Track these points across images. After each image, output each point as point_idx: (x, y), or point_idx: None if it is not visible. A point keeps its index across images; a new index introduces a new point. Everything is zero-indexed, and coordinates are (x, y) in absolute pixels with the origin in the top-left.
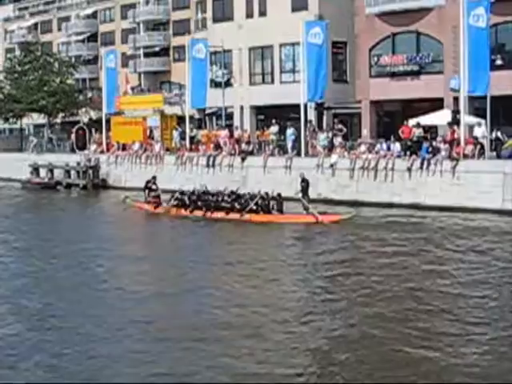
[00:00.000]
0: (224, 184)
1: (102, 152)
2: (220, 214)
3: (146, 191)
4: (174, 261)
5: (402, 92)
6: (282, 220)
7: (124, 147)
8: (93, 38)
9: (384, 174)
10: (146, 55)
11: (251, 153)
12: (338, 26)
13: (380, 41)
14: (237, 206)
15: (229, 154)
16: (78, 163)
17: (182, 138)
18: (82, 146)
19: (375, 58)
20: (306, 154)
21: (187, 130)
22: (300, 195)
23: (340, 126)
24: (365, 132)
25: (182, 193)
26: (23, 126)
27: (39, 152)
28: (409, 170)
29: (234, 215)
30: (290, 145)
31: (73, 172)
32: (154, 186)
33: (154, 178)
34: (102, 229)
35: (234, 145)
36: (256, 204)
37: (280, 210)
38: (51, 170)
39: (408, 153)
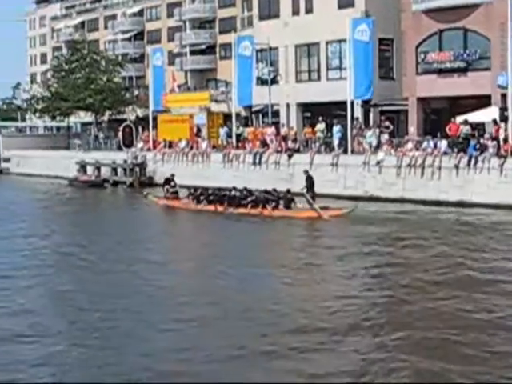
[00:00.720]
0: (270, 181)
1: (148, 150)
2: (231, 209)
3: (165, 187)
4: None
5: (449, 89)
6: (287, 215)
7: (170, 145)
8: (139, 36)
9: (431, 171)
10: (193, 53)
11: (298, 150)
12: (385, 22)
13: (427, 37)
14: (246, 200)
15: (275, 152)
16: (125, 161)
17: (229, 135)
18: (128, 143)
19: (422, 55)
20: (353, 151)
21: (233, 128)
22: (304, 191)
23: (387, 123)
24: (412, 129)
25: (196, 189)
26: (70, 124)
27: (86, 150)
28: (456, 167)
29: (243, 209)
30: (336, 142)
31: (119, 170)
32: (172, 183)
33: (173, 175)
34: (147, 226)
35: (281, 142)
36: (265, 198)
37: (288, 206)
38: (98, 168)
39: (455, 150)
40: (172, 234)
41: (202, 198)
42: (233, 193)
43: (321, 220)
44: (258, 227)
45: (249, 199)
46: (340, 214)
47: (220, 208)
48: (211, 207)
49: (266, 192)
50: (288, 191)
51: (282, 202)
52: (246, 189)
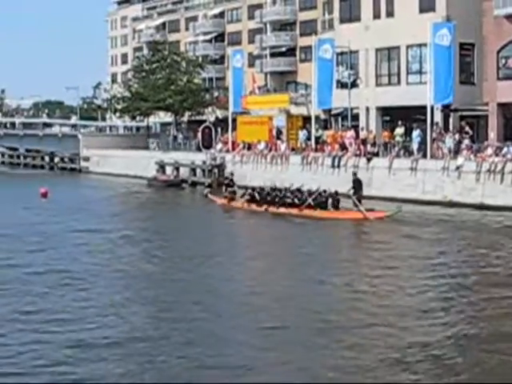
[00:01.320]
0: (349, 185)
1: (227, 151)
2: (283, 209)
3: (224, 187)
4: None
5: None
6: (334, 216)
7: (249, 147)
8: (220, 37)
9: (511, 177)
10: (273, 55)
11: (377, 154)
12: (466, 27)
13: (508, 43)
14: (297, 201)
15: (354, 155)
16: (204, 162)
17: (308, 138)
18: (207, 144)
19: (503, 60)
20: (432, 156)
21: (313, 131)
22: (351, 192)
23: (467, 128)
24: (492, 135)
25: (253, 189)
26: (150, 124)
27: (165, 150)
28: None
29: (294, 210)
30: (415, 146)
31: (198, 170)
32: (231, 183)
33: (232, 174)
34: (226, 227)
35: (360, 146)
36: (314, 200)
37: (336, 207)
38: (177, 168)
39: None
40: (233, 234)
41: (256, 197)
42: (283, 193)
43: (366, 221)
44: (308, 228)
45: (298, 200)
46: (384, 216)
47: (273, 209)
48: (263, 208)
49: (317, 193)
50: (336, 192)
51: (330, 202)
52: (298, 189)
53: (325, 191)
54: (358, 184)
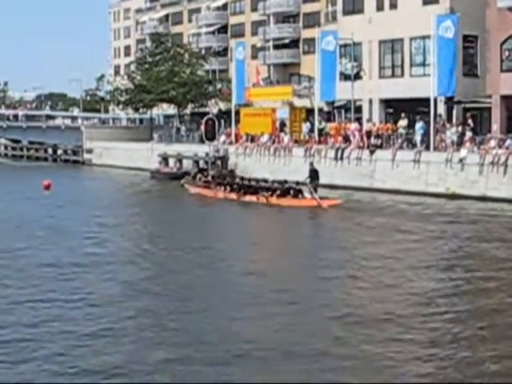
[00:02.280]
0: (351, 177)
1: (230, 143)
2: (253, 198)
3: (198, 176)
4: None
5: None
6: (295, 204)
7: (252, 139)
8: (223, 29)
9: None
10: (276, 47)
11: (380, 146)
12: (469, 19)
13: None
14: (264, 190)
15: (357, 147)
16: (207, 154)
17: (311, 130)
18: (211, 136)
19: (506, 53)
20: (435, 148)
21: (316, 123)
22: (308, 181)
23: (469, 120)
24: (495, 127)
25: (224, 178)
26: (153, 116)
27: (168, 142)
28: None
29: (262, 199)
30: (418, 139)
31: (201, 162)
32: (205, 173)
33: (207, 163)
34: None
35: (363, 138)
36: (279, 189)
37: (297, 196)
38: (180, 161)
39: None
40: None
41: (227, 186)
42: (252, 182)
43: (320, 208)
44: (273, 214)
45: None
46: (336, 204)
47: (243, 197)
48: (234, 195)
49: (279, 182)
50: (297, 183)
51: (292, 191)
52: (265, 180)
53: (286, 181)
54: (314, 174)
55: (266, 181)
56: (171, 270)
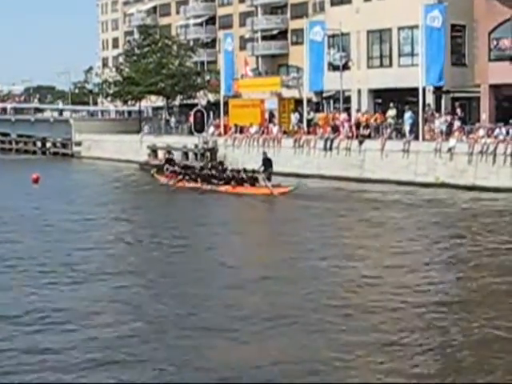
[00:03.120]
0: (341, 167)
1: (219, 135)
2: (213, 186)
3: (166, 166)
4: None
5: None
6: (251, 191)
7: (241, 130)
8: (211, 21)
9: (503, 158)
10: (264, 38)
11: (369, 136)
12: (457, 8)
13: (500, 24)
14: (222, 179)
15: (346, 138)
16: (196, 145)
17: (300, 121)
18: (199, 128)
19: (494, 42)
20: (424, 137)
21: (305, 113)
22: (261, 170)
23: (457, 110)
24: (483, 116)
25: (188, 168)
26: (142, 109)
27: (157, 134)
28: None
29: (222, 187)
30: (407, 128)
31: (190, 154)
32: (172, 163)
33: (171, 153)
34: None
35: (352, 128)
36: (237, 178)
37: (253, 184)
38: (169, 152)
39: None
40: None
41: (188, 176)
42: (213, 171)
43: (272, 196)
44: (230, 202)
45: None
46: (287, 191)
47: (205, 186)
48: (198, 184)
49: (237, 171)
50: (253, 171)
51: (247, 179)
52: (224, 169)
53: (245, 170)
54: (267, 163)
55: (225, 170)
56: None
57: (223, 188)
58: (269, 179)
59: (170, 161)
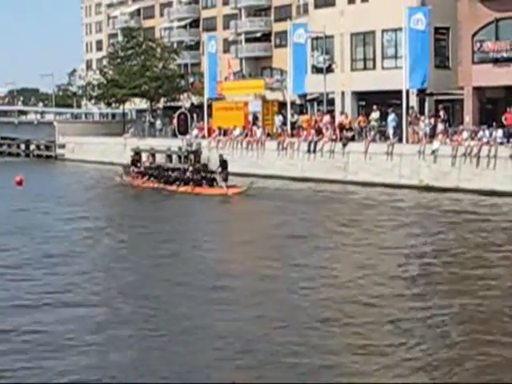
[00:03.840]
0: (324, 170)
1: (203, 137)
2: (174, 187)
3: (132, 168)
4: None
5: (506, 78)
6: (209, 192)
7: (225, 132)
8: (195, 23)
9: (486, 161)
10: (248, 41)
11: (352, 139)
12: (441, 11)
13: (483, 26)
14: (182, 179)
15: (330, 140)
16: (180, 148)
17: (283, 123)
18: (183, 130)
19: (478, 44)
20: (408, 140)
21: (288, 116)
22: (218, 171)
23: (440, 112)
24: (467, 119)
25: (151, 168)
26: (125, 111)
27: (141, 137)
28: (511, 157)
29: (182, 188)
30: (391, 131)
31: (174, 157)
32: (138, 164)
33: (137, 154)
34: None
35: (336, 130)
36: (197, 178)
37: (211, 184)
38: (153, 155)
39: (511, 140)
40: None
41: (153, 176)
42: (174, 172)
43: (227, 195)
44: (189, 201)
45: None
46: (240, 192)
47: (165, 186)
48: (162, 185)
49: (197, 172)
50: (211, 172)
51: (205, 180)
52: (185, 169)
53: (204, 170)
54: (223, 164)
55: (185, 170)
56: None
57: (183, 188)
58: (225, 180)
59: (135, 162)
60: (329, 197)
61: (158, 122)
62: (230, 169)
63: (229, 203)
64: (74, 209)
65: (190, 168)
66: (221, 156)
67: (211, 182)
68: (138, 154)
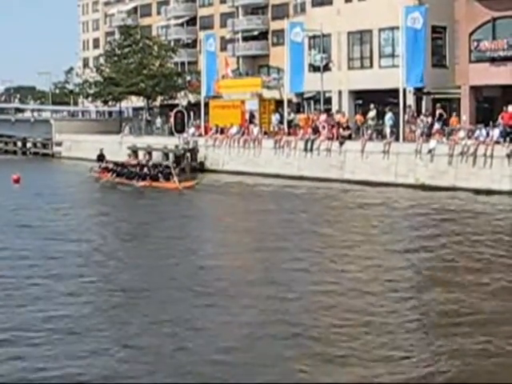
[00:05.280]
0: (321, 168)
1: (200, 135)
2: (131, 181)
3: (99, 163)
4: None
5: (502, 77)
6: (165, 186)
7: (222, 131)
8: (192, 21)
9: (483, 160)
10: (245, 39)
11: (349, 137)
12: (438, 10)
13: (480, 25)
14: (143, 174)
15: (327, 139)
16: (177, 146)
17: (280, 122)
18: (180, 129)
19: (475, 43)
20: (405, 139)
21: (285, 114)
22: (173, 166)
23: (440, 111)
24: (464, 118)
25: (116, 164)
26: (122, 109)
27: (138, 135)
28: (508, 156)
29: (142, 182)
30: (388, 130)
31: (171, 155)
32: (104, 159)
33: (102, 150)
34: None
35: (332, 129)
36: (155, 173)
37: (168, 178)
38: (149, 153)
39: (507, 139)
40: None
41: (116, 172)
42: (134, 168)
43: (179, 189)
44: (147, 194)
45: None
46: (191, 185)
47: (128, 181)
48: (125, 180)
49: (154, 167)
50: (167, 166)
51: (162, 175)
52: (144, 165)
53: (160, 165)
54: (177, 160)
55: (143, 166)
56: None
57: (142, 183)
58: (178, 175)
59: (101, 157)
60: (291, 193)
61: (158, 120)
62: (227, 167)
63: (174, 196)
64: (62, 205)
65: (149, 163)
66: (174, 153)
67: (168, 177)
68: (101, 155)
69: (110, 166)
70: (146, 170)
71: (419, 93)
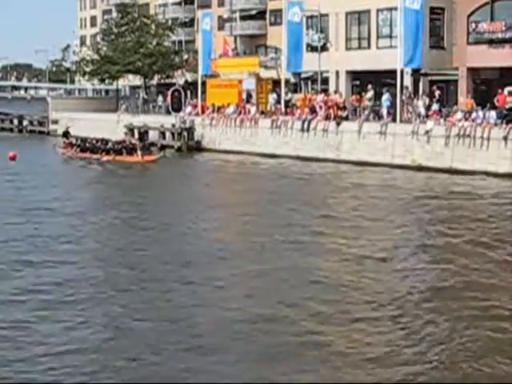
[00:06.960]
0: (318, 148)
1: (197, 114)
2: (95, 156)
3: (63, 139)
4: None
5: (500, 59)
6: (128, 160)
7: (219, 110)
8: (189, 0)
9: (480, 142)
10: (242, 18)
11: (346, 118)
12: None
13: (479, 7)
14: (108, 149)
15: (324, 119)
16: (173, 125)
17: (277, 101)
18: (177, 107)
19: (473, 25)
20: (401, 120)
21: (282, 94)
22: (138, 142)
23: (436, 92)
24: (461, 99)
25: (82, 140)
26: (119, 87)
27: (134, 113)
28: (505, 138)
29: (108, 157)
30: (385, 110)
31: (168, 134)
32: (68, 135)
33: (68, 127)
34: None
35: (329, 109)
36: (119, 148)
37: (131, 153)
38: (146, 132)
39: (504, 121)
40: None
41: (81, 147)
42: (98, 143)
43: (141, 163)
44: (112, 168)
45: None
46: (153, 159)
47: (95, 156)
48: (88, 155)
49: (118, 142)
50: (131, 142)
51: (124, 150)
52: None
53: (124, 141)
54: (141, 136)
55: (107, 141)
56: None
57: (106, 157)
58: (142, 149)
59: (66, 134)
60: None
61: (160, 99)
62: (224, 146)
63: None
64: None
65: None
66: (139, 129)
67: (131, 152)
68: (67, 132)
69: (74, 141)
70: (110, 144)
71: (416, 74)
